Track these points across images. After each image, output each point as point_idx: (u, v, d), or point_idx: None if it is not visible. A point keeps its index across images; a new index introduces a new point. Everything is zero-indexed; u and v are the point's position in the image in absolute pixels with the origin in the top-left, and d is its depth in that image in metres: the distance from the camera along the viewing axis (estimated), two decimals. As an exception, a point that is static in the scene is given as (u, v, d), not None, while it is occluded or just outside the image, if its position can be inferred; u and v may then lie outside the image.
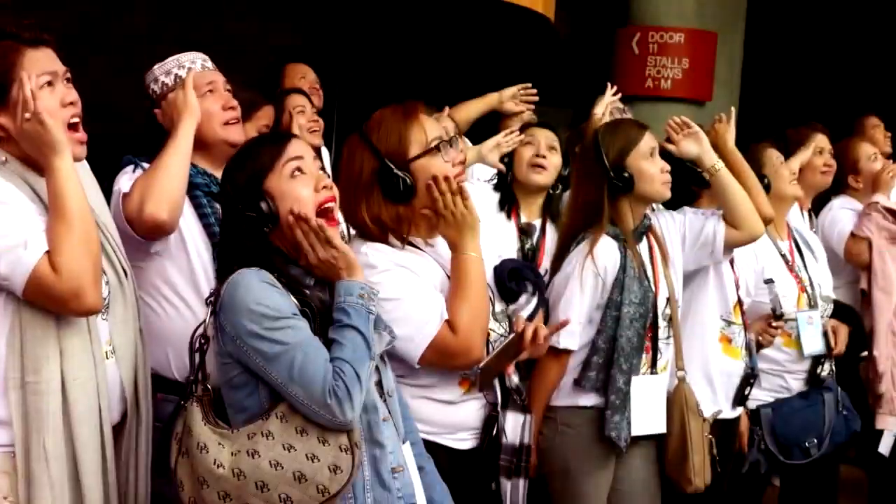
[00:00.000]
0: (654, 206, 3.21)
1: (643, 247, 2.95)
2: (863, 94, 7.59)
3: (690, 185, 3.29)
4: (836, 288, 3.85)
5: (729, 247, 3.10)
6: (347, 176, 2.37)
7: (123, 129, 2.94)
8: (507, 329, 2.48)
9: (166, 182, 2.40)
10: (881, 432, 4.04)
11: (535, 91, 4.07)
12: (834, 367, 3.62)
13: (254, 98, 3.05)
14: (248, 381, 1.97)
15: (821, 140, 4.20)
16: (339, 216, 2.23)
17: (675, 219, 3.10)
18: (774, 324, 3.39)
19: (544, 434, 2.89)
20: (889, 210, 4.14)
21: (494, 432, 2.45)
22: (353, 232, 2.48)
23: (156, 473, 2.26)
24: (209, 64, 2.72)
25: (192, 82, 2.58)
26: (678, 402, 2.94)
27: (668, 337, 2.94)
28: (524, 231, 3.49)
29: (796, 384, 3.54)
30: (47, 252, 1.96)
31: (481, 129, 4.07)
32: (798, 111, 5.83)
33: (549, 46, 6.69)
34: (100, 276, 2.05)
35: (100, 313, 2.10)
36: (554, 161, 3.51)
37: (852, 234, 4.17)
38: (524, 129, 3.67)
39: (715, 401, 3.20)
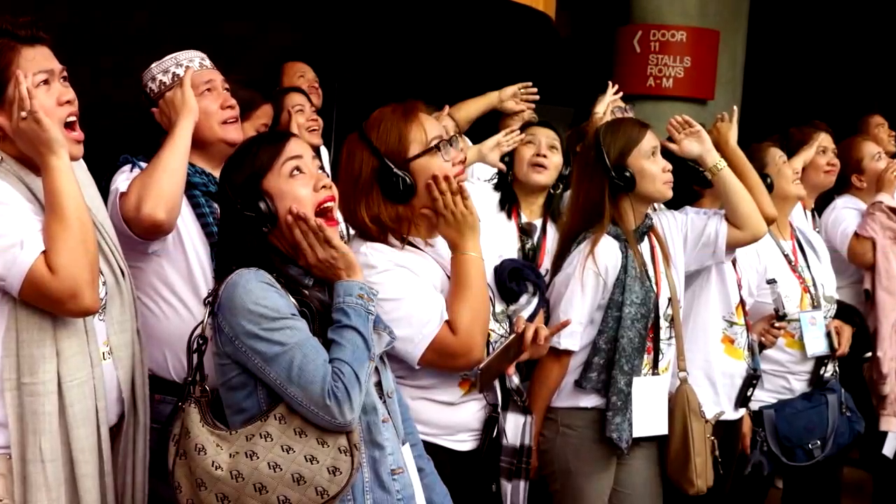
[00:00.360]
0: (656, 205, 3.19)
1: (645, 247, 2.93)
2: (866, 92, 7.58)
3: (692, 185, 3.28)
4: (839, 288, 3.83)
5: (731, 247, 3.09)
6: (347, 175, 2.36)
7: (122, 129, 2.93)
8: (508, 329, 2.46)
9: (164, 181, 2.38)
10: (885, 434, 4.02)
11: (535, 90, 4.05)
12: (837, 368, 3.60)
13: (252, 97, 3.03)
14: (247, 382, 1.96)
15: (824, 139, 4.18)
16: (339, 216, 2.21)
17: (676, 218, 3.09)
18: (777, 324, 3.36)
19: (545, 435, 2.88)
20: (893, 209, 4.12)
21: (495, 434, 2.43)
22: (352, 232, 2.46)
23: (153, 475, 2.25)
24: (207, 62, 2.70)
25: (191, 81, 2.57)
26: (680, 404, 2.93)
27: (669, 338, 2.93)
28: (525, 231, 3.48)
29: (799, 385, 3.53)
30: (44, 252, 1.95)
31: (481, 129, 4.06)
32: (801, 110, 5.82)
33: (550, 45, 6.69)
34: (97, 276, 2.04)
35: (97, 314, 2.09)
36: (555, 160, 3.50)
37: (856, 234, 4.15)
38: (525, 128, 3.65)
39: (717, 402, 3.18)
